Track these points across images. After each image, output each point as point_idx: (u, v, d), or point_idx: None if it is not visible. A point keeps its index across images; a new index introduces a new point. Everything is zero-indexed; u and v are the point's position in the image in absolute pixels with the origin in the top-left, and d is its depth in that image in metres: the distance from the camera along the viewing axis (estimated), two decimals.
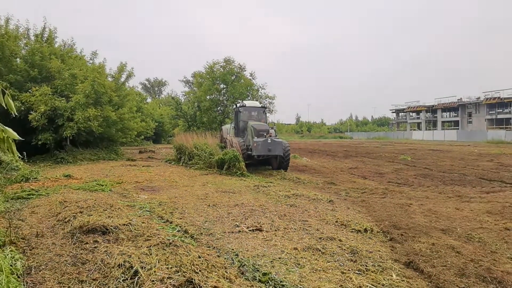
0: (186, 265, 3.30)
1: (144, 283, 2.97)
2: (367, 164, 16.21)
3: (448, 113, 67.40)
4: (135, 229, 4.72)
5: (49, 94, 14.89)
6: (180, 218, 5.71)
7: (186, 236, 4.69)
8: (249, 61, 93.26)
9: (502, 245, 4.51)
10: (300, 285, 3.16)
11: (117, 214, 5.60)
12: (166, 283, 2.96)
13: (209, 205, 6.72)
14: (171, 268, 3.23)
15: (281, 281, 3.20)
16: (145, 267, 3.26)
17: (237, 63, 25.69)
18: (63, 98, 15.53)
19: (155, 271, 3.16)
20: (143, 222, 5.17)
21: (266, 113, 15.78)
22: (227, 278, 3.19)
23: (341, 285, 3.18)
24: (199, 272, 3.16)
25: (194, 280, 2.96)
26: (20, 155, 11.72)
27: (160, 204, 6.83)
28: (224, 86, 25.26)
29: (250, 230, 4.99)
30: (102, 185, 8.80)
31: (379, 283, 3.23)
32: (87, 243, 4.25)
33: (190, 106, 27.68)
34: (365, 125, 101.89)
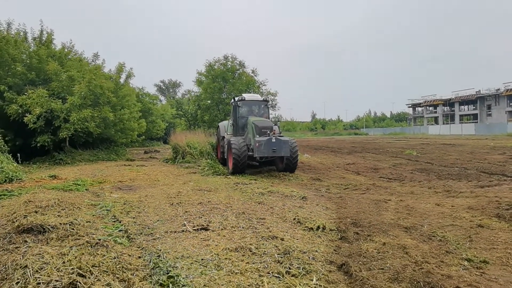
0: (87, 266, 3.06)
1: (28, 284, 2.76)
2: (367, 159, 15.60)
3: (466, 106, 64.91)
4: (72, 228, 4.52)
5: (45, 97, 15.05)
6: (133, 218, 5.51)
7: (123, 236, 4.46)
8: (263, 62, 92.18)
9: (464, 244, 4.05)
10: None
11: (69, 213, 5.43)
12: (49, 286, 2.73)
13: (172, 203, 6.48)
14: (67, 269, 2.99)
15: (183, 285, 2.91)
16: (44, 268, 3.05)
17: (238, 60, 25.48)
18: (60, 100, 15.68)
19: (48, 273, 2.93)
20: (88, 221, 4.99)
21: (268, 107, 14.14)
22: (124, 281, 2.92)
23: None
24: (92, 274, 2.91)
25: (79, 283, 2.71)
26: (10, 157, 11.91)
27: (125, 203, 6.65)
28: (224, 83, 25.03)
29: (194, 230, 4.71)
30: (79, 185, 8.73)
31: None
32: (14, 243, 4.08)
33: (191, 105, 27.62)
34: (383, 121, 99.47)
